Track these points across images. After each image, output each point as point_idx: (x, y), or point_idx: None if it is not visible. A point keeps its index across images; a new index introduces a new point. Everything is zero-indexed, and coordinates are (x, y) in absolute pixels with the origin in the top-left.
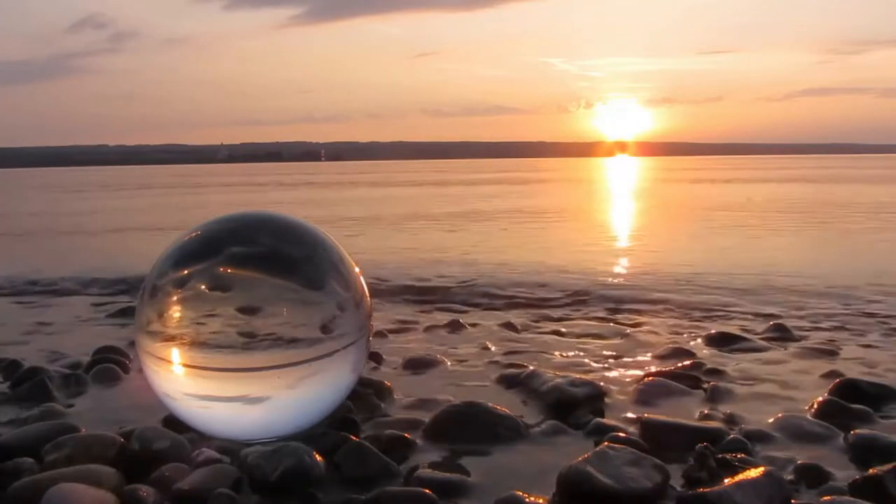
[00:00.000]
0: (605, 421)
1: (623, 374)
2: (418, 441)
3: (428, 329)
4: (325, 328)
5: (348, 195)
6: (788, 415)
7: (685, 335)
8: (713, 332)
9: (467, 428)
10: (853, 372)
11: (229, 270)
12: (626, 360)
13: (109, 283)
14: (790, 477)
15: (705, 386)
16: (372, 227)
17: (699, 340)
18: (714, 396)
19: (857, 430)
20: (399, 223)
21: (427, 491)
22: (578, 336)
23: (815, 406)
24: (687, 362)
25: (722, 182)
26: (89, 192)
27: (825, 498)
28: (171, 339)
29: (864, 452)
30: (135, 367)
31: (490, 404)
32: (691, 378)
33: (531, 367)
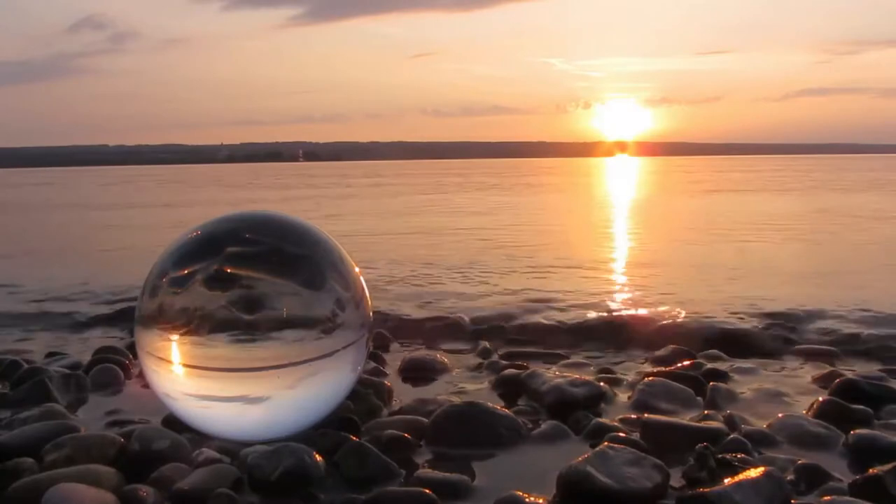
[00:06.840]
0: (605, 421)
1: (623, 375)
2: (418, 441)
3: (429, 330)
4: (324, 328)
5: None
6: (788, 415)
7: (686, 336)
8: (713, 332)
9: (467, 428)
10: (853, 372)
11: (229, 270)
12: (626, 360)
13: (110, 282)
14: (790, 477)
15: (705, 387)
16: None
17: (699, 341)
18: (714, 397)
19: (857, 431)
20: None
21: (427, 491)
22: (578, 336)
23: (815, 406)
24: (687, 363)
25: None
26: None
27: (825, 498)
28: (171, 338)
29: (864, 452)
30: (135, 367)
31: (490, 404)
32: (691, 378)
33: (531, 368)
